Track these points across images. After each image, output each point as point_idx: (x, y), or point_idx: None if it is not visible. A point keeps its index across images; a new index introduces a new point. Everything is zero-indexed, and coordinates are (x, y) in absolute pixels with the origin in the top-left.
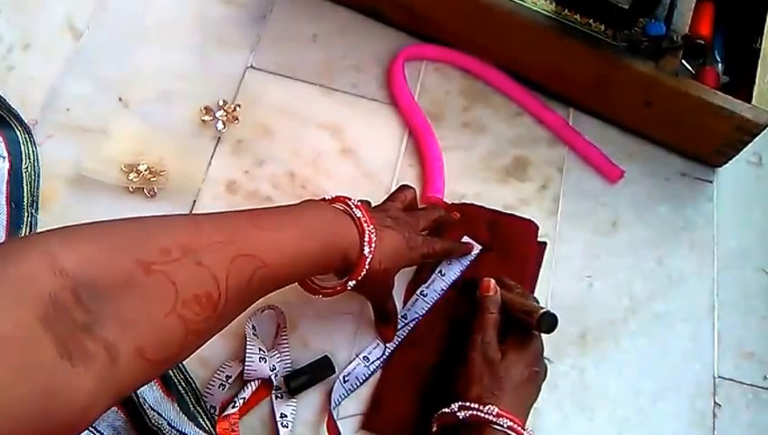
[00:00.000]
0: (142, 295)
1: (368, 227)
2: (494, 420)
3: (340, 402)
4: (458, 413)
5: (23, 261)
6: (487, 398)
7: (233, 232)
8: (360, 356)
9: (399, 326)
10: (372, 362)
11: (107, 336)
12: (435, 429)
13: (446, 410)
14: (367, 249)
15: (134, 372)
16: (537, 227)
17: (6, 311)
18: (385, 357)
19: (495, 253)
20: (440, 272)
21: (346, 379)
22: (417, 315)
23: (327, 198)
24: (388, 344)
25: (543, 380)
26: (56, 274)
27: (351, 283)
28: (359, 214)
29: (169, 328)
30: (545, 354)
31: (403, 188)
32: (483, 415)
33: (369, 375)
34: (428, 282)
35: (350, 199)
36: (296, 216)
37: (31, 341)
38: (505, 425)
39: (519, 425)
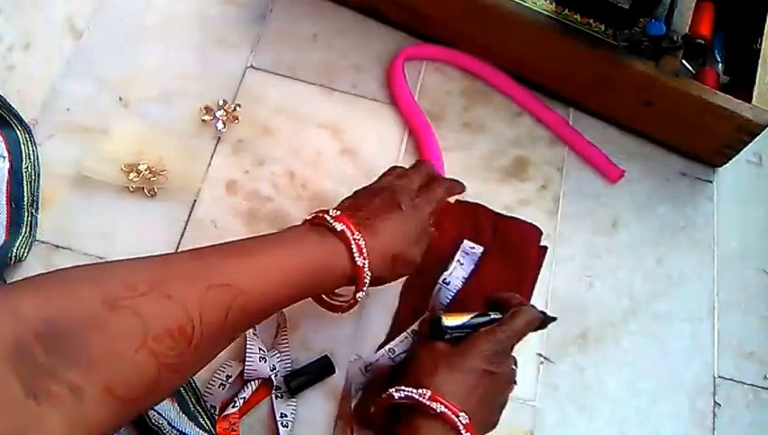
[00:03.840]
0: (108, 332)
1: (352, 236)
2: (426, 402)
3: (359, 390)
4: (395, 394)
5: None
6: (425, 382)
7: (204, 264)
8: (386, 348)
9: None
10: (398, 355)
11: (71, 377)
12: (372, 409)
13: (385, 394)
14: (359, 259)
15: (104, 410)
16: (540, 233)
17: None
18: (408, 350)
19: (496, 254)
20: (459, 261)
21: (368, 368)
22: (442, 305)
23: (308, 217)
24: (416, 338)
25: (508, 384)
26: (17, 317)
27: (360, 295)
28: (339, 227)
29: (140, 364)
30: (545, 354)
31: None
32: (415, 396)
33: (391, 368)
34: (450, 270)
35: (327, 212)
36: (273, 241)
37: None
38: (438, 409)
39: (454, 412)
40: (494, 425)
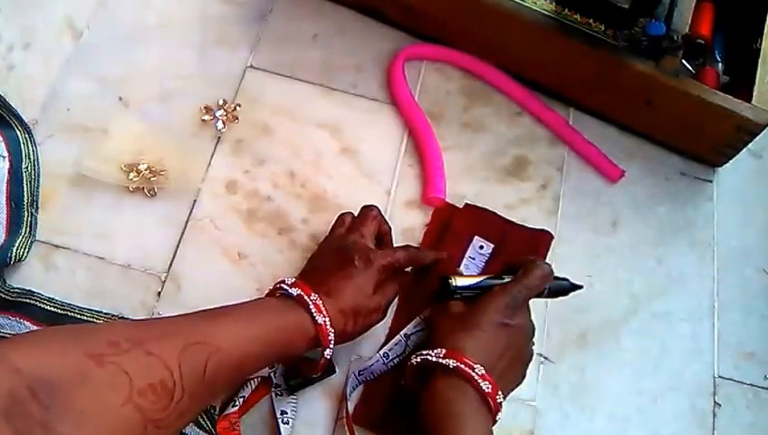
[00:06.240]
0: (97, 387)
1: (308, 297)
2: (441, 361)
3: (351, 393)
4: (413, 360)
5: None
6: (443, 342)
7: (179, 325)
8: (380, 353)
9: (422, 328)
10: (391, 360)
11: (64, 431)
12: (403, 382)
13: (408, 362)
14: (319, 317)
15: None
16: (552, 237)
17: None
18: (404, 355)
19: (500, 260)
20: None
21: (361, 372)
22: None
23: (269, 289)
24: (408, 343)
25: (527, 337)
26: (11, 372)
27: (328, 352)
28: (296, 292)
29: (127, 418)
30: (545, 354)
31: (344, 215)
32: (430, 357)
33: (386, 372)
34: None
35: (284, 282)
36: (239, 306)
37: None
38: (451, 365)
39: (468, 365)
40: (520, 379)
